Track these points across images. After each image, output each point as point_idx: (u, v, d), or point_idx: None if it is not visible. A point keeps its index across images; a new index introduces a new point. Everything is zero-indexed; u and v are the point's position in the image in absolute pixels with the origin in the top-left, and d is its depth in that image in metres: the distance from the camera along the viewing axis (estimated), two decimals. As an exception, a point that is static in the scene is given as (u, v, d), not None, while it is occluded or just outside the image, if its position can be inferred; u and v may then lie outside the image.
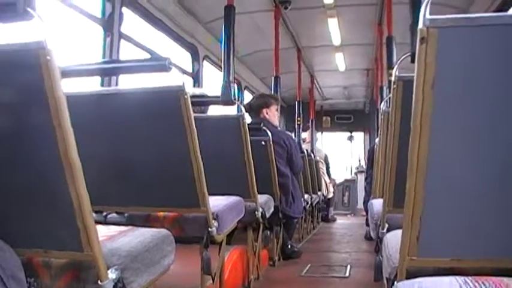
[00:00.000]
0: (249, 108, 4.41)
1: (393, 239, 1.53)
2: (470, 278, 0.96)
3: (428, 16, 1.07)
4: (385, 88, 5.95)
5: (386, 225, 2.11)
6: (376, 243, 2.32)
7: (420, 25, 1.08)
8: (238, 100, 3.81)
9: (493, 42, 1.09)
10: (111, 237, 1.51)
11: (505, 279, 0.97)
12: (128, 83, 3.97)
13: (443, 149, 1.15)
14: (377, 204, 2.45)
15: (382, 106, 2.97)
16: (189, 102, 2.00)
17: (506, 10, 4.41)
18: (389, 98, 2.09)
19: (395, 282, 1.18)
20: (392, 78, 1.92)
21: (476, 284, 0.92)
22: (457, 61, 1.11)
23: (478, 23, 1.08)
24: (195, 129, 2.04)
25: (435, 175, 1.15)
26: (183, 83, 1.98)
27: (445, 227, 1.21)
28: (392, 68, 2.07)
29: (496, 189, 1.16)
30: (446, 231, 1.22)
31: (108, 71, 2.63)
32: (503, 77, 1.11)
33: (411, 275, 1.19)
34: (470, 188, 1.18)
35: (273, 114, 4.50)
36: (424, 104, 1.10)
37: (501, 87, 1.12)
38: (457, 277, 0.97)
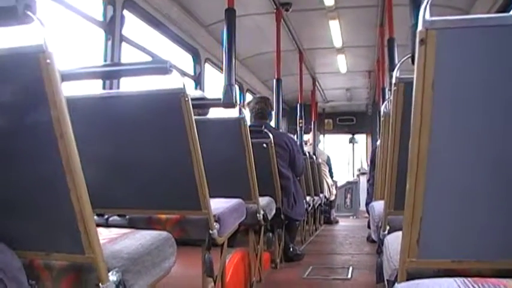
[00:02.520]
0: (257, 113, 4.39)
1: (394, 241, 1.53)
2: (469, 279, 0.96)
3: (427, 18, 1.07)
4: (387, 90, 5.95)
5: (388, 227, 2.10)
6: (377, 245, 2.32)
7: (419, 27, 1.08)
8: (240, 103, 3.82)
9: (493, 43, 1.09)
10: (112, 239, 1.52)
11: (504, 280, 0.97)
12: (130, 85, 3.98)
13: (443, 150, 1.15)
14: (378, 206, 2.45)
15: (383, 108, 2.97)
16: (190, 105, 2.01)
17: (509, 11, 4.41)
18: (390, 99, 2.09)
19: (396, 284, 1.17)
20: (393, 80, 1.92)
21: (475, 286, 0.92)
22: (456, 62, 1.11)
23: (477, 24, 1.08)
24: (196, 131, 2.04)
25: (435, 177, 1.15)
26: (184, 86, 1.98)
27: (445, 228, 1.21)
28: (394, 70, 2.07)
29: (496, 190, 1.16)
30: (447, 233, 1.21)
31: (109, 74, 2.63)
32: (504, 78, 1.11)
33: (411, 276, 1.18)
34: (470, 190, 1.18)
35: None
36: (424, 106, 1.10)
37: (501, 88, 1.11)
38: (456, 278, 0.97)
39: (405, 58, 2.08)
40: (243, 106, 4.56)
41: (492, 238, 1.18)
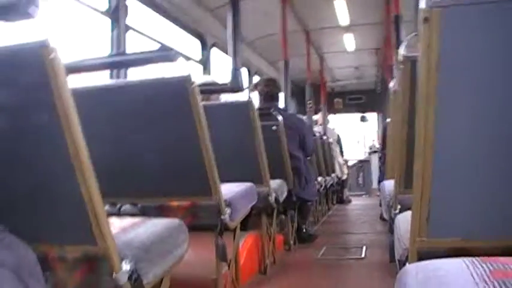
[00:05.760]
0: (266, 95, 4.38)
1: (404, 220, 1.53)
2: (477, 258, 0.96)
3: None
4: (394, 67, 5.91)
5: (399, 206, 2.10)
6: (389, 224, 2.32)
7: (423, 4, 1.07)
8: (248, 86, 3.80)
9: (500, 21, 1.08)
10: (124, 229, 1.53)
11: (514, 259, 0.97)
12: (138, 74, 3.98)
13: (450, 128, 1.15)
14: (389, 185, 2.44)
15: (392, 86, 2.96)
16: (197, 91, 2.01)
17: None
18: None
19: (407, 264, 1.18)
20: (399, 58, 1.91)
21: (484, 265, 0.92)
22: (461, 40, 1.10)
23: (482, 1, 1.07)
24: (204, 117, 2.04)
25: (443, 155, 1.15)
26: (190, 73, 1.98)
27: (454, 207, 1.21)
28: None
29: (505, 168, 1.16)
30: (456, 212, 1.21)
31: (114, 65, 2.63)
32: (509, 55, 1.10)
33: (422, 256, 1.19)
34: (479, 168, 1.18)
35: None
36: (429, 84, 1.10)
37: (507, 66, 1.11)
38: (465, 258, 0.97)
39: (411, 36, 2.06)
40: (252, 89, 4.54)
41: (502, 216, 1.17)
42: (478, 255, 0.99)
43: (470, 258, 0.96)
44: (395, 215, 2.02)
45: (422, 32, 1.09)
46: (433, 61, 1.09)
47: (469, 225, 1.21)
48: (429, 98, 1.11)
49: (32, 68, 1.19)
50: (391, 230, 2.24)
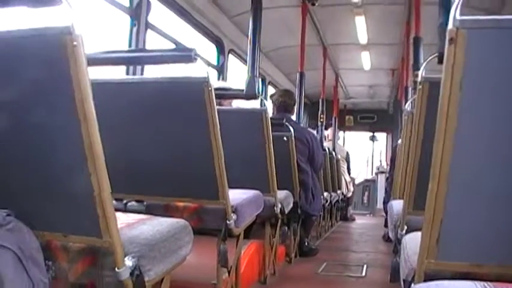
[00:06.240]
0: (280, 105, 4.41)
1: (412, 241, 1.52)
2: (489, 283, 0.95)
3: (458, 17, 1.05)
4: (410, 89, 5.90)
5: (406, 227, 2.09)
6: (394, 245, 2.30)
7: (450, 25, 1.06)
8: (261, 95, 3.79)
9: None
10: (130, 225, 1.52)
11: (526, 287, 0.96)
12: (153, 72, 3.97)
13: (468, 151, 1.14)
14: (397, 205, 2.43)
15: (407, 107, 2.95)
16: (213, 94, 2.01)
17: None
18: (414, 99, 2.07)
19: (412, 285, 1.16)
20: (419, 79, 1.90)
21: (496, 290, 0.91)
22: (486, 63, 1.10)
23: (508, 25, 1.06)
24: (217, 121, 2.04)
25: (458, 178, 1.14)
26: (208, 75, 1.98)
27: (465, 230, 1.19)
28: (419, 69, 2.06)
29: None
30: (467, 235, 1.20)
31: (134, 60, 2.63)
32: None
33: (429, 277, 1.17)
34: (494, 192, 1.16)
35: None
36: (451, 106, 1.09)
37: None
38: (476, 282, 0.96)
39: (432, 57, 2.05)
40: (265, 98, 4.56)
41: (513, 243, 1.16)
42: (488, 281, 0.98)
43: (481, 282, 0.95)
44: (402, 235, 2.01)
45: (446, 52, 1.08)
46: (456, 83, 1.08)
47: (480, 250, 1.19)
48: (449, 118, 1.10)
49: (53, 53, 1.18)
50: (395, 250, 2.23)
